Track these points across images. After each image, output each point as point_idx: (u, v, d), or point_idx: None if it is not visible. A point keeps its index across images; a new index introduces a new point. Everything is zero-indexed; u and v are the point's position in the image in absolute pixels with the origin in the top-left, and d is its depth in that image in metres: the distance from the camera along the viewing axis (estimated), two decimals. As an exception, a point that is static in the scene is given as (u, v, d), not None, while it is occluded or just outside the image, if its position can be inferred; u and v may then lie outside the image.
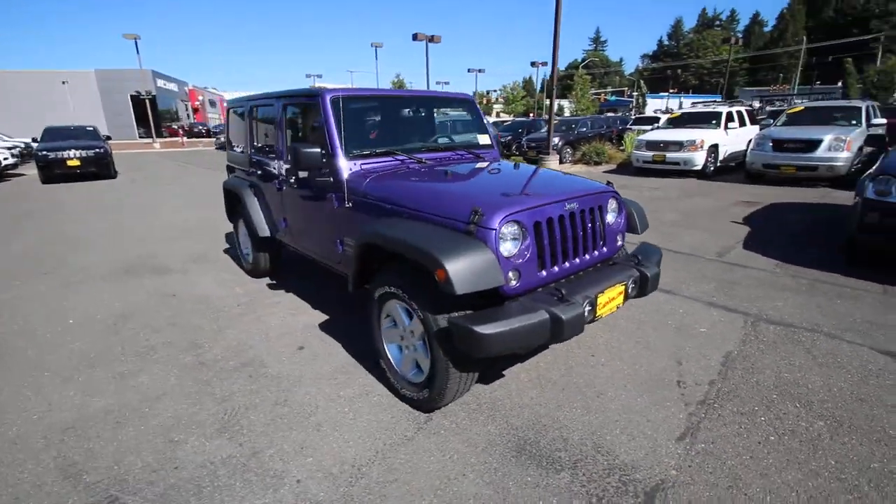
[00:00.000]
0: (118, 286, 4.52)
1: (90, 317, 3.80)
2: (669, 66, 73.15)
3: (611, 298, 2.40)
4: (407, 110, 3.57)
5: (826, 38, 55.60)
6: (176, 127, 36.48)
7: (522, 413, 2.44)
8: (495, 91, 63.02)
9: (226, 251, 5.67)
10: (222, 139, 29.03)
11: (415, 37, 24.31)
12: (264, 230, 4.09)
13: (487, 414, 2.43)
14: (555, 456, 2.13)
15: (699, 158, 10.80)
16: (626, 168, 12.91)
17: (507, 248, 2.15)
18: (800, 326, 3.33)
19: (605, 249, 2.69)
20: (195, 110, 48.49)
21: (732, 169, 11.83)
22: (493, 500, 1.89)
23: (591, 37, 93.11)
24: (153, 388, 2.76)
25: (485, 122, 3.84)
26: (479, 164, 3.26)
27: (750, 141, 12.25)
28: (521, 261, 2.18)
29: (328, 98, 3.01)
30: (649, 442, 2.20)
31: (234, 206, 4.73)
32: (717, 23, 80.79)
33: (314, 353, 3.12)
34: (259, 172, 4.01)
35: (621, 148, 15.47)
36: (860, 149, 8.91)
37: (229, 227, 6.67)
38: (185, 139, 31.72)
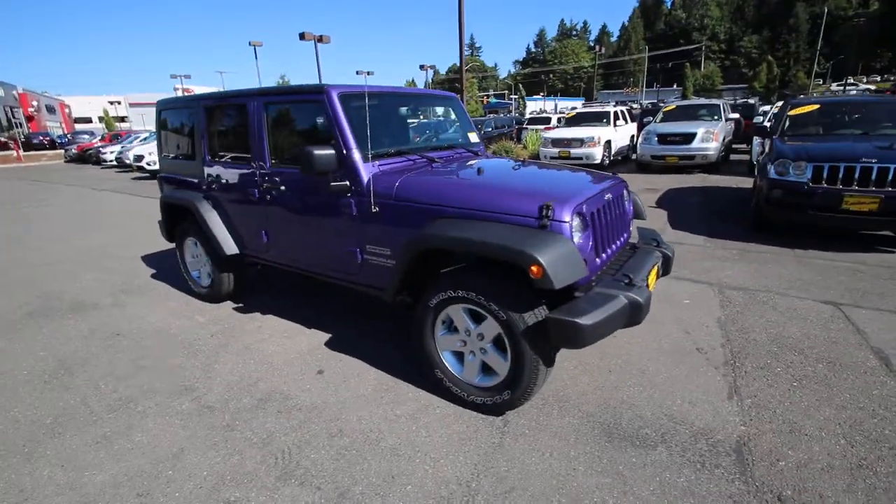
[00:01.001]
0: (31, 334, 3.60)
1: (13, 377, 2.97)
2: (539, 72, 79.77)
3: (652, 280, 2.58)
4: (404, 108, 3.40)
5: (662, 47, 65.52)
6: (5, 139, 29.89)
7: (588, 400, 2.50)
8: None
9: (155, 276, 4.84)
10: (75, 151, 24.69)
11: (302, 36, 23.11)
12: (231, 247, 3.59)
13: (557, 407, 2.45)
14: (642, 434, 2.22)
15: (598, 153, 11.97)
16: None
17: (577, 239, 2.19)
18: (755, 289, 3.90)
19: (626, 235, 2.88)
20: (29, 118, 40.19)
21: (619, 161, 13.33)
22: (615, 486, 1.92)
23: (468, 43, 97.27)
24: (161, 445, 2.27)
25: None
26: (493, 162, 3.24)
27: (632, 136, 14.06)
28: (586, 251, 2.24)
29: (335, 94, 2.74)
30: (709, 406, 2.42)
31: (178, 224, 4.08)
32: (574, 32, 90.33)
33: (341, 375, 2.83)
34: (223, 182, 3.49)
35: (522, 146, 16.51)
36: (724, 139, 10.72)
37: (141, 251, 5.79)
38: (21, 152, 26.14)
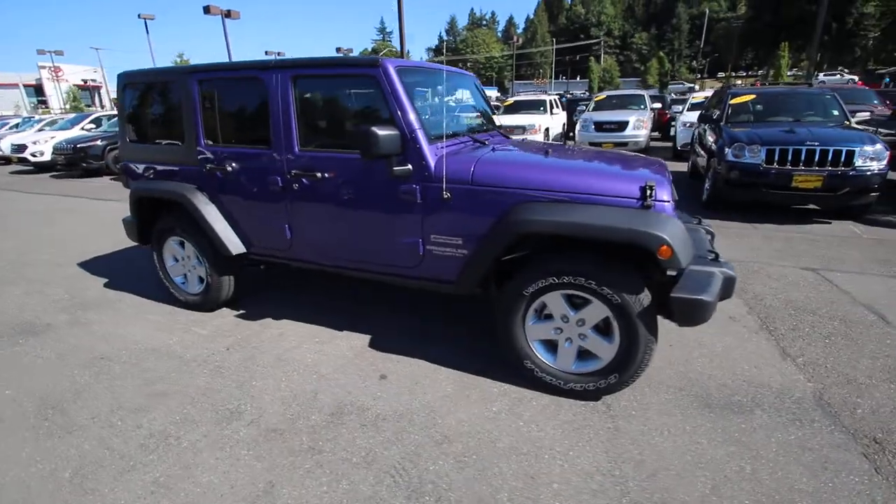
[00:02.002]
0: (-26, 367, 2.85)
1: (-20, 422, 2.32)
2: (453, 60, 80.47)
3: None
4: (440, 87, 3.16)
5: (565, 41, 69.45)
6: None
7: (668, 375, 2.57)
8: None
9: (110, 286, 4.08)
10: None
11: (206, 10, 20.86)
12: (237, 245, 3.14)
13: (646, 386, 2.48)
14: (735, 401, 2.33)
15: (540, 139, 12.40)
16: (475, 151, 13.90)
17: None
18: (744, 260, 4.30)
19: (672, 214, 3.00)
20: None
21: (558, 147, 13.94)
22: (743, 453, 1.99)
23: (378, 27, 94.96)
24: (241, 482, 1.91)
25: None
26: (540, 144, 3.16)
27: (563, 124, 14.76)
28: None
29: (393, 68, 2.47)
30: (772, 368, 2.61)
31: (155, 222, 3.46)
32: (484, 22, 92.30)
33: (408, 378, 2.61)
34: (228, 170, 3.00)
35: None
36: (650, 127, 11.67)
37: (70, 256, 4.88)
38: None
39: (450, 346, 2.94)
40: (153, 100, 3.35)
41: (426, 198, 2.49)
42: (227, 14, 20.58)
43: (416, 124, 2.45)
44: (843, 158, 5.01)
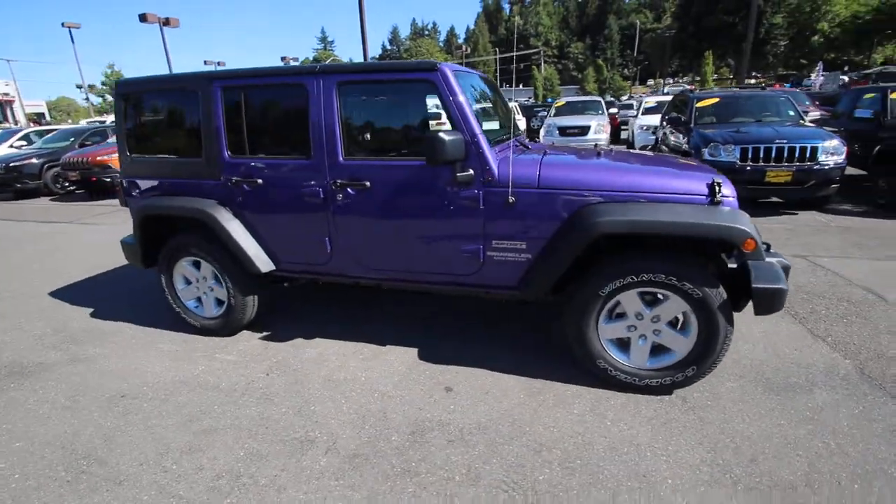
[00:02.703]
0: (-33, 419, 2.45)
1: (6, 488, 2.00)
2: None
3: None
4: (476, 89, 3.12)
5: (506, 50, 71.55)
6: None
7: (723, 364, 2.66)
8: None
9: (100, 315, 3.68)
10: None
11: (143, 18, 19.57)
12: (266, 263, 2.94)
13: (709, 376, 2.55)
14: (792, 382, 2.46)
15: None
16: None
17: None
18: (739, 251, 4.57)
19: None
20: None
21: (522, 152, 14.26)
22: (823, 430, 2.10)
23: (319, 36, 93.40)
24: (345, 516, 1.77)
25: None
26: (580, 147, 3.20)
27: (525, 130, 15.16)
28: None
29: (451, 71, 2.42)
30: (810, 349, 2.78)
31: (164, 242, 3.17)
32: (426, 32, 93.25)
33: (476, 388, 2.54)
34: (257, 183, 2.79)
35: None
36: (609, 130, 12.23)
37: (37, 285, 4.36)
38: None
39: (501, 351, 2.90)
40: (161, 109, 3.07)
41: (488, 203, 2.45)
42: (166, 22, 19.39)
43: (477, 129, 2.41)
44: (808, 154, 5.49)
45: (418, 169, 2.51)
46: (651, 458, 1.99)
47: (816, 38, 41.05)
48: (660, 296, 2.28)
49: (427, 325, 3.31)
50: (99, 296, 4.15)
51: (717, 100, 7.18)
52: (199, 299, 3.27)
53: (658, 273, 2.19)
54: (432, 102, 2.67)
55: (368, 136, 2.69)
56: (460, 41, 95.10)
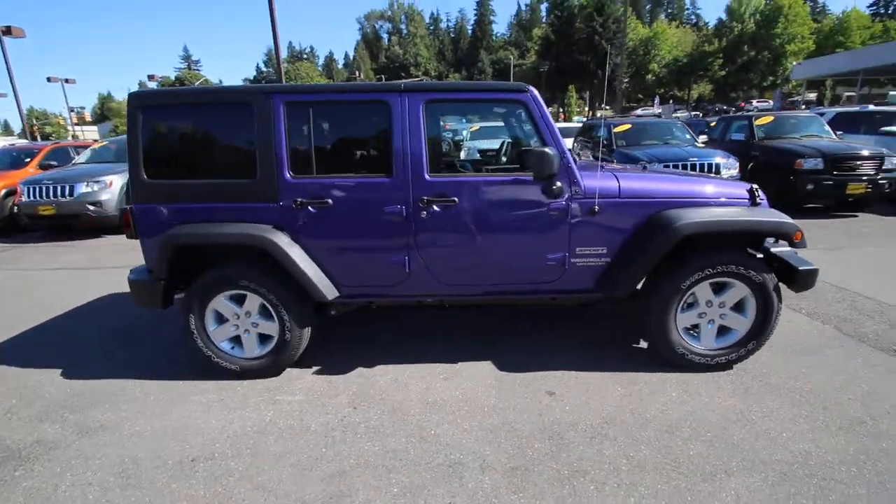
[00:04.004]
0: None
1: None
2: (275, 92, 77.00)
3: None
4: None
5: (388, 78, 73.31)
6: None
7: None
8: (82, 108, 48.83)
9: (81, 374, 3.00)
10: None
11: (-29, 24, 16.04)
12: (331, 289, 2.75)
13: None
14: (806, 346, 3.05)
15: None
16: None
17: None
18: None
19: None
20: None
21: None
22: (850, 375, 2.66)
23: (181, 55, 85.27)
24: (552, 524, 1.77)
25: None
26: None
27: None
28: None
29: (535, 92, 2.59)
30: (797, 318, 3.46)
31: (196, 276, 2.77)
32: (304, 56, 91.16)
33: (578, 388, 2.67)
34: (328, 203, 2.61)
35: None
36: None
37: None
38: None
39: (569, 352, 3.07)
40: (195, 126, 2.70)
41: (575, 213, 2.66)
42: (7, 31, 16.08)
43: (564, 145, 2.61)
44: (714, 168, 6.73)
45: (510, 184, 2.62)
46: (759, 420, 2.33)
47: (650, 76, 49.77)
48: (726, 284, 2.69)
49: (481, 337, 3.35)
50: (61, 350, 3.36)
51: (629, 126, 8.40)
52: (235, 339, 2.88)
53: (730, 264, 2.59)
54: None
55: (455, 153, 2.72)
56: (339, 67, 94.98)
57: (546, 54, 55.66)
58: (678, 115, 28.73)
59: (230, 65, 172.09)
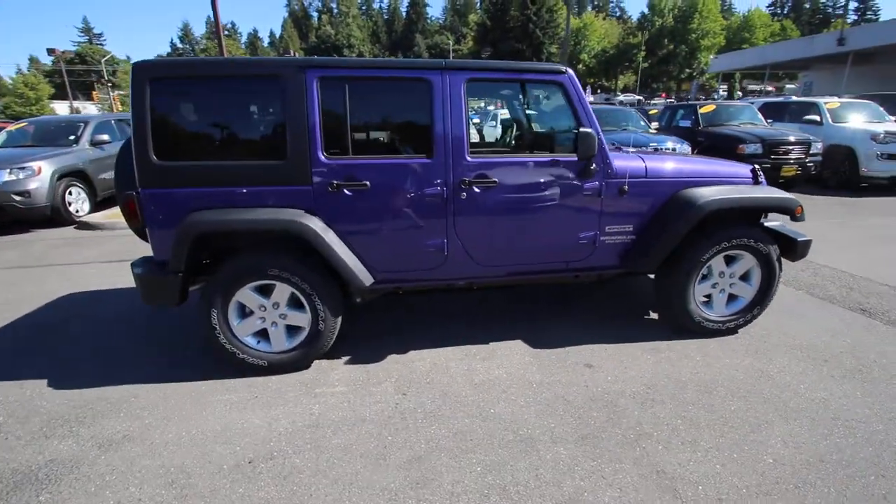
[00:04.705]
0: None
1: None
2: (195, 71, 70.80)
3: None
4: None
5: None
6: None
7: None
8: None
9: (66, 384, 2.67)
10: None
11: None
12: (367, 276, 2.67)
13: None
14: (796, 311, 3.42)
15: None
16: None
17: None
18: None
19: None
20: None
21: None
22: (854, 333, 3.05)
23: (80, 27, 75.64)
24: (630, 482, 1.88)
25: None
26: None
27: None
28: None
29: (572, 73, 2.63)
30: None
31: (217, 267, 2.56)
32: (226, 33, 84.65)
33: (610, 359, 2.80)
34: (367, 185, 2.50)
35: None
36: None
37: None
38: None
39: (591, 326, 3.21)
40: (215, 102, 2.44)
41: (606, 193, 2.76)
42: None
43: (598, 124, 2.69)
44: (673, 152, 7.21)
45: (548, 164, 2.66)
46: (777, 375, 2.61)
47: (581, 66, 51.85)
48: (736, 256, 2.94)
49: (497, 316, 3.40)
50: (38, 357, 2.96)
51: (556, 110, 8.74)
52: (261, 332, 2.70)
53: (742, 237, 2.84)
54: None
55: (491, 133, 2.70)
56: (265, 45, 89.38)
57: (483, 41, 56.16)
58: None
59: (138, 40, 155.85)
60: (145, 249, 2.69)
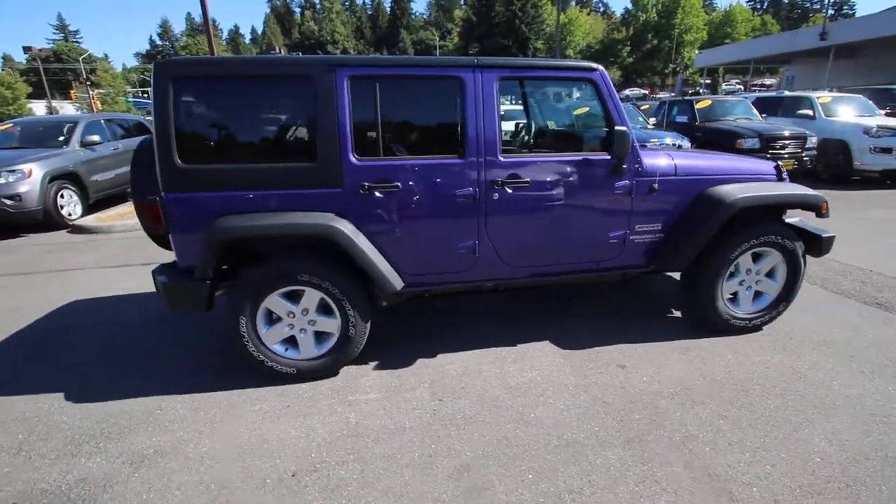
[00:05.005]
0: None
1: None
2: (175, 68, 69.10)
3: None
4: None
5: (302, 53, 69.29)
6: None
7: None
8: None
9: (85, 397, 2.57)
10: None
11: None
12: (398, 279, 2.61)
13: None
14: (806, 305, 3.46)
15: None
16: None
17: None
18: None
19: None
20: None
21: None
22: (871, 324, 3.09)
23: (55, 24, 73.47)
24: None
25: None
26: None
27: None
28: None
29: (604, 71, 2.60)
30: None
31: (249, 270, 2.48)
32: (204, 28, 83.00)
33: (642, 360, 2.80)
34: (398, 187, 2.45)
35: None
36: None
37: None
38: None
39: (612, 326, 3.20)
40: (239, 102, 2.35)
41: (636, 191, 2.75)
42: None
43: (629, 123, 2.66)
44: (676, 147, 7.25)
45: (580, 163, 2.63)
46: (809, 372, 2.62)
47: (567, 62, 51.99)
48: (762, 252, 2.95)
49: (521, 317, 3.38)
50: (50, 369, 2.84)
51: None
52: (289, 340, 2.63)
53: (770, 234, 2.85)
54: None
55: (524, 131, 2.66)
56: (247, 42, 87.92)
57: (469, 37, 56.05)
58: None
59: (116, 38, 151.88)
60: (143, 253, 2.61)
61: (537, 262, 2.79)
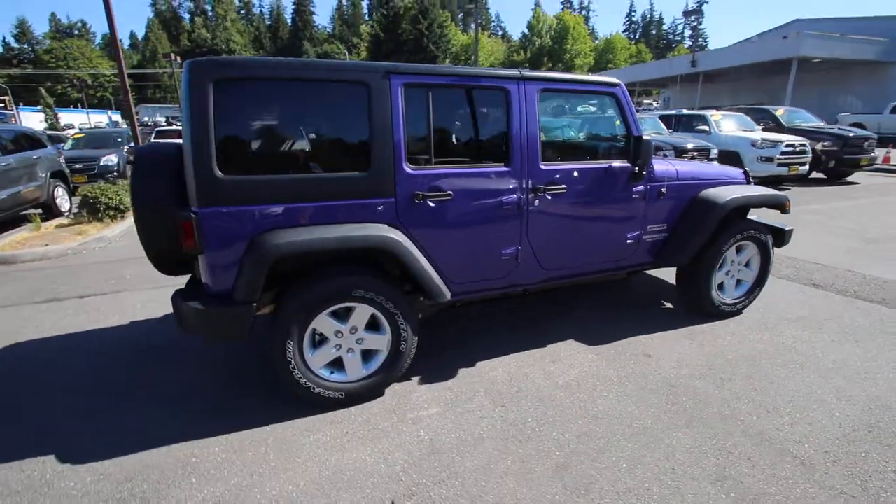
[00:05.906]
0: None
1: None
2: (36, 75, 60.09)
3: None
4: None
5: (199, 65, 64.04)
6: None
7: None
8: None
9: (117, 443, 2.16)
10: None
11: None
12: (446, 290, 2.59)
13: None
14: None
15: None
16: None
17: None
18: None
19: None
20: None
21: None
22: (860, 318, 3.67)
23: None
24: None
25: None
26: None
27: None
28: None
29: (623, 86, 2.84)
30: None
31: (299, 288, 2.29)
32: (75, 32, 73.31)
33: (661, 348, 3.04)
34: (450, 195, 2.42)
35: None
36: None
37: None
38: None
39: (622, 319, 3.45)
40: (287, 108, 2.15)
41: (649, 195, 3.02)
42: None
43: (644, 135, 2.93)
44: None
45: (606, 169, 2.84)
46: (802, 343, 3.06)
47: (473, 79, 54.39)
48: (742, 245, 3.39)
49: (544, 317, 3.49)
50: (46, 420, 2.31)
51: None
52: (334, 362, 2.45)
53: (750, 230, 3.29)
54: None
55: (558, 141, 2.78)
56: (126, 48, 79.23)
57: (377, 52, 56.28)
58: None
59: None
60: (72, 287, 2.28)
61: (570, 264, 2.93)
